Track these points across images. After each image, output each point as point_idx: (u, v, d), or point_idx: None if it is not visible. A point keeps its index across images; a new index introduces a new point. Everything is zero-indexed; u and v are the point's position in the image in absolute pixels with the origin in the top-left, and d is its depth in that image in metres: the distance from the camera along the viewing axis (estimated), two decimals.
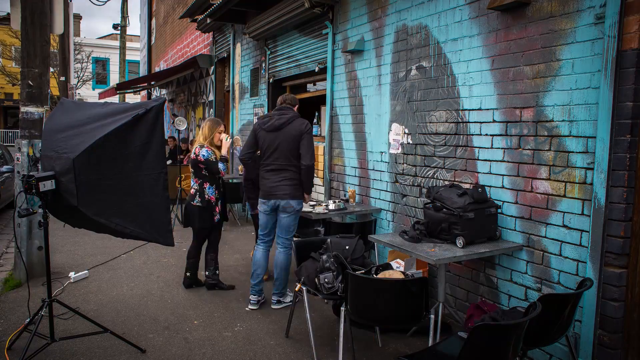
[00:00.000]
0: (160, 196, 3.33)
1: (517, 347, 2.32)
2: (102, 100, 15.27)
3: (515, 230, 3.48)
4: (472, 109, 3.80)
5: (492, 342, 2.23)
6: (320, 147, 6.06)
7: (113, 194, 3.20)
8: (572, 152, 3.06)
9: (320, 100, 6.37)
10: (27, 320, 3.54)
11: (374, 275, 3.17)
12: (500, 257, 3.60)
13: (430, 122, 4.22)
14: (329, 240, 3.70)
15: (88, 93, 28.16)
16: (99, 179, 3.12)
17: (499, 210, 3.56)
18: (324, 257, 3.42)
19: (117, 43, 26.44)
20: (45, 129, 3.49)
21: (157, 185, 3.30)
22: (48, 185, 3.08)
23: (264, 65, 7.60)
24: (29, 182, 3.05)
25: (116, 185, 3.20)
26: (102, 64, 31.20)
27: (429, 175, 4.26)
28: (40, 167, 3.38)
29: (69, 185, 3.06)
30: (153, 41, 16.80)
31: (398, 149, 4.64)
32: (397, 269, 4.01)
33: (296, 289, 3.64)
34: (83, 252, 6.17)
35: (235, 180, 7.91)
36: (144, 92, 17.51)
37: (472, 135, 3.80)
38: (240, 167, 8.32)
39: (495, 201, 3.57)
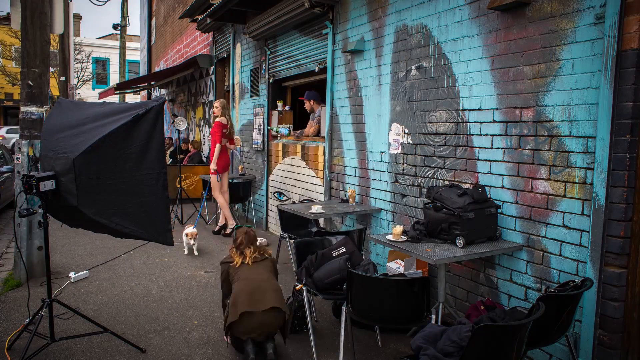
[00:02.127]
0: (160, 196, 3.32)
1: (521, 348, 2.30)
2: (101, 100, 15.26)
3: (515, 230, 3.48)
4: (472, 109, 3.80)
5: (495, 343, 2.22)
6: (320, 147, 6.06)
7: (113, 194, 3.19)
8: (572, 152, 3.06)
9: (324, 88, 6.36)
10: (27, 320, 3.54)
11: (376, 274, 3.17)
12: (500, 257, 3.60)
13: (430, 122, 4.22)
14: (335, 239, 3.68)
15: (88, 93, 28.16)
16: (99, 178, 3.12)
17: (499, 210, 3.56)
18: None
19: (117, 43, 26.43)
20: (44, 129, 3.47)
21: (156, 185, 3.29)
22: (48, 185, 3.07)
23: (264, 65, 7.60)
24: (30, 182, 3.03)
25: (116, 185, 3.19)
26: (102, 64, 31.19)
27: (429, 175, 4.26)
28: (40, 167, 3.39)
29: (69, 185, 3.05)
30: (153, 41, 16.80)
31: (398, 149, 4.64)
32: (397, 269, 4.02)
33: (297, 288, 3.64)
34: (83, 252, 6.17)
35: (235, 180, 7.91)
36: (144, 92, 17.51)
37: (472, 135, 3.80)
38: (240, 167, 8.33)
39: (495, 201, 3.57)
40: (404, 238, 3.46)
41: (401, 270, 3.96)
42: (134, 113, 3.20)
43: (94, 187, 3.11)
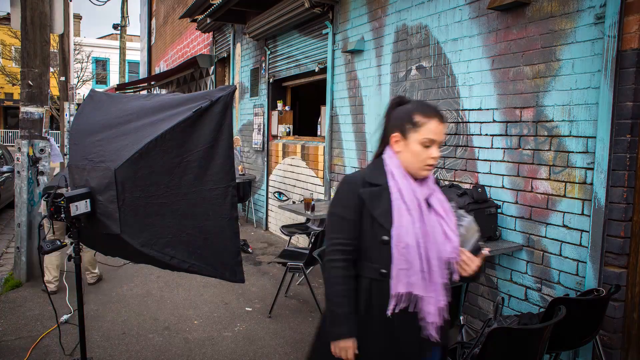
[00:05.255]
0: (228, 218, 2.63)
1: (541, 355, 2.20)
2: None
3: (515, 230, 3.48)
4: (472, 109, 3.80)
5: (511, 348, 2.15)
6: (320, 147, 6.06)
7: (167, 217, 2.47)
8: (572, 152, 3.06)
9: (323, 93, 6.36)
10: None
11: None
12: (500, 257, 3.60)
13: None
14: None
15: None
16: (149, 197, 2.40)
17: (499, 210, 3.56)
18: None
19: (117, 43, 26.44)
20: (73, 130, 2.66)
21: (223, 203, 2.59)
22: (82, 207, 2.33)
23: (264, 65, 7.60)
24: (56, 203, 2.31)
25: (171, 205, 2.47)
26: (102, 64, 31.18)
27: None
28: (67, 182, 2.59)
29: (108, 207, 2.32)
30: (153, 41, 16.79)
31: None
32: None
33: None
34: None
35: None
36: (144, 93, 17.50)
37: (472, 135, 3.80)
38: (240, 167, 8.33)
39: (495, 201, 3.57)
40: None
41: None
42: (196, 106, 2.47)
43: (141, 208, 2.38)
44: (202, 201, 2.54)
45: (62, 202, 2.29)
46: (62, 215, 2.31)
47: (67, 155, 7.99)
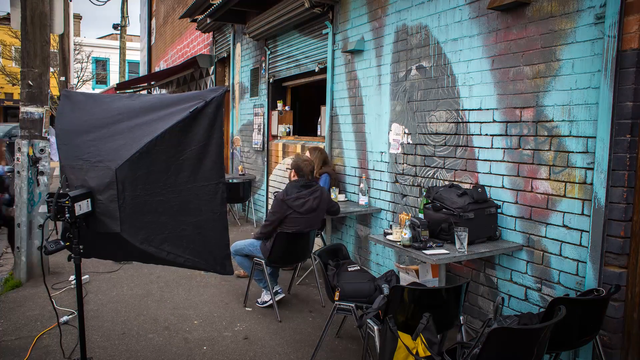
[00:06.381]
0: (219, 213, 2.70)
1: (541, 355, 2.20)
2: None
3: (515, 230, 3.48)
4: (472, 109, 3.80)
5: (511, 348, 2.14)
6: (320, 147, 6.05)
7: (163, 214, 2.52)
8: (572, 152, 3.06)
9: (323, 90, 6.36)
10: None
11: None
12: (500, 257, 3.60)
13: (430, 122, 4.22)
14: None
15: None
16: (147, 194, 2.44)
17: (499, 210, 3.56)
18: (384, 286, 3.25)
19: (117, 43, 26.43)
20: (59, 131, 2.65)
21: (214, 199, 2.66)
22: (84, 207, 2.34)
23: (264, 65, 7.60)
24: (60, 203, 2.29)
25: (167, 202, 2.52)
26: (102, 64, 31.16)
27: (429, 175, 4.26)
28: (61, 183, 2.60)
29: (109, 206, 2.34)
30: (153, 41, 16.79)
31: (398, 149, 4.64)
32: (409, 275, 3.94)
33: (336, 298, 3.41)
34: None
35: (235, 180, 7.91)
36: (144, 93, 17.50)
37: (472, 135, 3.80)
38: (240, 167, 8.34)
39: (495, 201, 3.57)
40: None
41: (413, 277, 3.89)
42: (192, 106, 2.53)
43: (141, 206, 2.41)
44: (196, 197, 2.62)
45: (67, 202, 2.28)
46: (67, 215, 2.31)
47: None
